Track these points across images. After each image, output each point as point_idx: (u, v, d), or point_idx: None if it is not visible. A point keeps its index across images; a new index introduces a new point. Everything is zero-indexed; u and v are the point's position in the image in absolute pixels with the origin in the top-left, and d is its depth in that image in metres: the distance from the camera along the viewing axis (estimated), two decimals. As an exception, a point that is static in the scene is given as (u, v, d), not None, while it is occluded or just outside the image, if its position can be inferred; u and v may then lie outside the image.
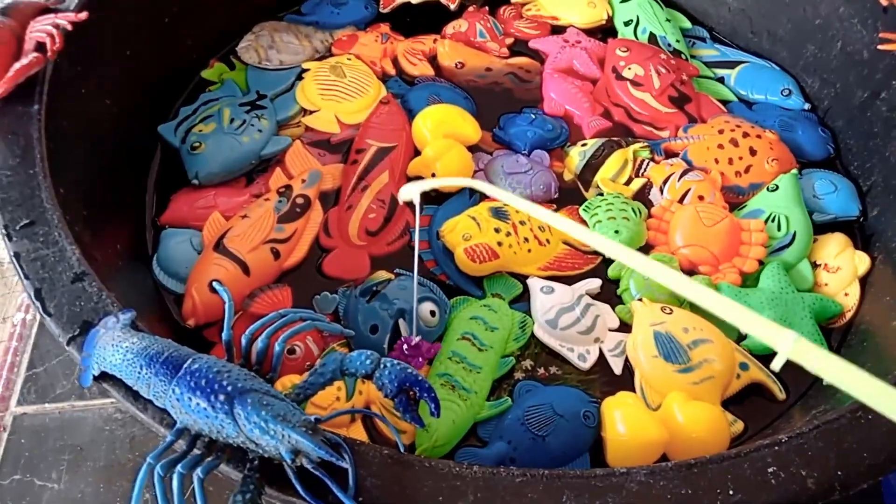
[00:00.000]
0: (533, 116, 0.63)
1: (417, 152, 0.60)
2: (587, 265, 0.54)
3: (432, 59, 0.69)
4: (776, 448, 0.32)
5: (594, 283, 0.53)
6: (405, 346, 0.47)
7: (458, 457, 0.45)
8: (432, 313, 0.49)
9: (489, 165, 0.59)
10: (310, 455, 0.29)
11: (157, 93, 0.63)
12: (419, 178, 0.58)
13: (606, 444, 0.45)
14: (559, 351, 0.49)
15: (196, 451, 0.31)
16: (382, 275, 0.52)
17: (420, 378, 0.33)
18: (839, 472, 0.32)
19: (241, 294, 0.50)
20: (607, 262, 0.55)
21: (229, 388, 0.30)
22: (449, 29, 0.71)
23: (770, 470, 0.32)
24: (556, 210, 0.56)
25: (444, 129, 0.59)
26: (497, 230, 0.53)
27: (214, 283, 0.36)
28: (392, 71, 0.67)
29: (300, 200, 0.55)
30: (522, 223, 0.54)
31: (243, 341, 0.35)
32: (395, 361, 0.33)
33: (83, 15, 0.48)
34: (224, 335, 0.35)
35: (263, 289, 0.50)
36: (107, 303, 0.37)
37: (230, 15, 0.68)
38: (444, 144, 0.58)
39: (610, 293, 0.53)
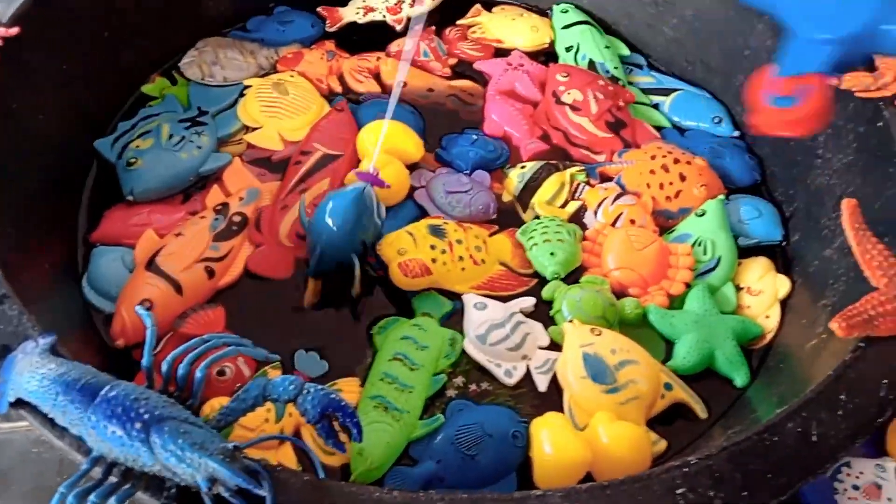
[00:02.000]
0: (475, 137, 0.64)
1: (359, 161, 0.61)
2: (521, 287, 0.55)
3: (377, 77, 0.69)
4: (685, 469, 0.34)
5: (528, 302, 0.54)
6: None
7: (388, 477, 0.45)
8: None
9: (430, 183, 0.60)
10: (226, 483, 0.29)
11: (95, 108, 0.62)
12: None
13: (534, 463, 0.46)
14: (486, 366, 0.51)
15: (112, 479, 0.31)
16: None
17: (343, 403, 0.34)
18: (744, 493, 0.34)
19: (173, 314, 0.49)
20: (542, 283, 0.56)
21: (146, 416, 0.30)
22: (393, 47, 0.72)
23: (679, 491, 0.33)
24: (496, 232, 0.58)
25: (387, 144, 0.60)
26: (433, 247, 0.54)
27: (137, 308, 0.36)
28: (339, 88, 0.68)
29: (237, 218, 0.55)
30: (459, 242, 0.55)
31: (164, 367, 0.35)
32: (319, 387, 0.34)
33: (14, 30, 0.47)
34: (144, 361, 0.34)
35: (196, 309, 0.50)
36: (27, 327, 0.36)
37: (173, 30, 0.67)
38: (383, 160, 0.59)
39: (543, 313, 0.54)
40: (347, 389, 0.48)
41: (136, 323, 0.48)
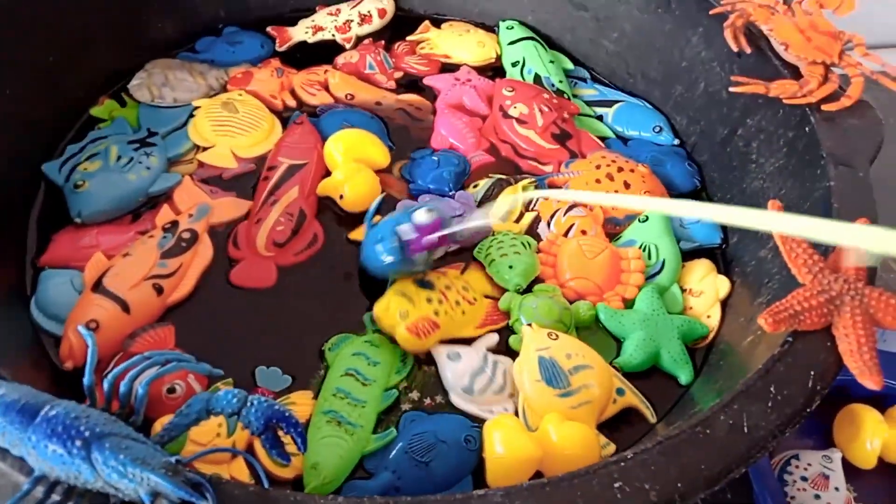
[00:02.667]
0: (434, 158, 0.64)
1: (328, 171, 0.62)
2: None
3: (327, 89, 0.70)
4: (622, 464, 0.35)
5: (493, 339, 0.54)
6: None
7: (344, 491, 0.45)
8: (427, 212, 0.51)
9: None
10: (169, 496, 0.29)
11: (42, 131, 0.62)
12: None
13: (486, 464, 0.47)
14: (480, 416, 0.49)
15: (54, 498, 0.31)
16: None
17: (287, 414, 0.34)
18: (679, 484, 0.35)
19: (122, 333, 0.49)
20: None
21: (86, 434, 0.30)
22: (340, 59, 0.73)
23: (616, 485, 0.34)
24: (465, 268, 0.58)
25: (354, 153, 0.62)
26: (429, 300, 0.53)
27: (79, 327, 0.36)
28: (293, 103, 0.69)
29: (186, 235, 0.55)
30: (448, 288, 0.54)
31: (105, 385, 0.35)
32: (262, 399, 0.34)
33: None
34: (85, 380, 0.35)
35: (145, 328, 0.50)
36: (-34, 350, 0.36)
37: (121, 53, 0.67)
38: (353, 168, 0.60)
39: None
40: (300, 402, 0.48)
41: (84, 344, 0.48)
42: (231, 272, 0.55)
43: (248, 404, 0.34)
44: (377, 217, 0.55)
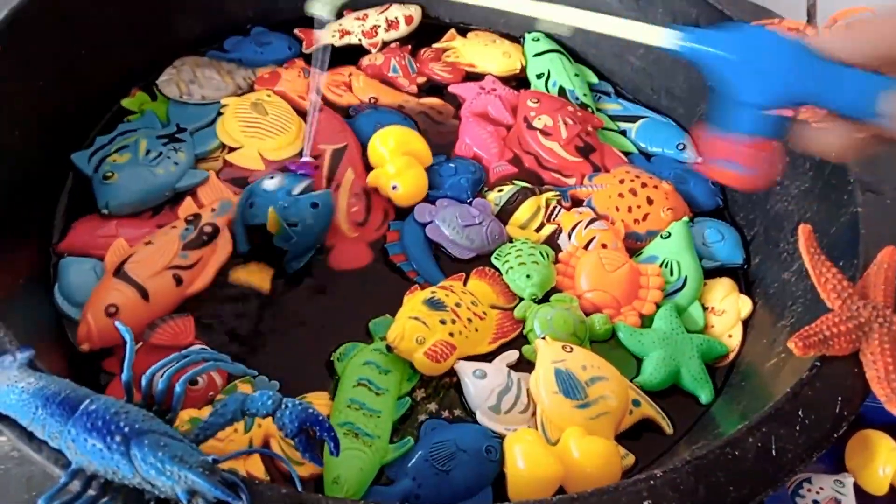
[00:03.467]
0: (452, 165, 0.65)
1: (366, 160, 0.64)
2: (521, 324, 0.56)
3: (351, 90, 0.71)
4: (651, 482, 0.35)
5: (513, 356, 0.54)
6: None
7: (366, 496, 0.45)
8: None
9: (441, 214, 0.60)
10: (206, 496, 0.29)
11: (72, 122, 0.62)
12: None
13: (508, 478, 0.47)
14: (505, 434, 0.49)
15: (91, 492, 0.31)
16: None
17: (321, 418, 0.34)
18: (707, 504, 0.35)
19: (140, 320, 0.50)
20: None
21: (126, 430, 0.30)
22: (365, 60, 0.73)
23: (645, 503, 0.34)
24: (466, 280, 0.58)
25: (403, 148, 0.62)
26: (443, 322, 0.52)
27: (116, 323, 0.37)
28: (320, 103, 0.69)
29: (208, 229, 0.55)
30: (458, 305, 0.54)
31: (143, 382, 0.35)
32: (297, 402, 0.34)
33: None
34: (124, 376, 0.35)
35: (165, 318, 0.51)
36: (4, 341, 0.36)
37: (151, 49, 0.68)
38: (406, 161, 0.61)
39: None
40: (317, 403, 0.48)
41: (102, 328, 0.48)
42: (330, 258, 0.58)
43: (283, 406, 0.34)
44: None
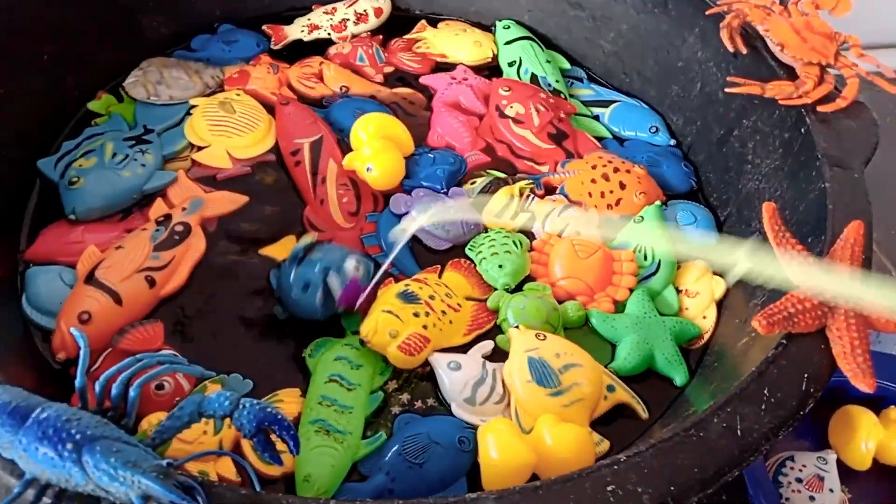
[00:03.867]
0: (431, 156, 0.64)
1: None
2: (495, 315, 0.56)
3: (321, 80, 0.71)
4: (615, 467, 0.35)
5: (488, 346, 0.53)
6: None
7: (338, 493, 0.45)
8: (356, 268, 0.52)
9: (417, 205, 0.60)
10: (161, 500, 0.29)
11: (38, 128, 0.61)
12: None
13: (481, 468, 0.47)
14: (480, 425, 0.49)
15: (46, 501, 0.31)
16: (307, 238, 0.54)
17: (279, 417, 0.34)
18: (672, 487, 0.35)
19: (115, 325, 0.50)
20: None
21: (77, 437, 0.30)
22: (332, 50, 0.73)
23: (609, 488, 0.34)
24: (441, 272, 0.57)
25: (383, 132, 0.62)
26: (416, 315, 0.52)
27: (71, 328, 0.36)
28: (293, 97, 0.69)
29: (179, 228, 0.55)
30: (432, 297, 0.54)
31: (97, 388, 0.35)
32: (255, 401, 0.34)
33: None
34: (77, 382, 0.34)
35: (135, 324, 0.50)
36: (-42, 351, 0.36)
37: (117, 51, 0.67)
38: (382, 145, 0.61)
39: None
40: (288, 400, 0.48)
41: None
42: None
43: (240, 407, 0.34)
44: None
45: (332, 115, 0.66)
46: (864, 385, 0.40)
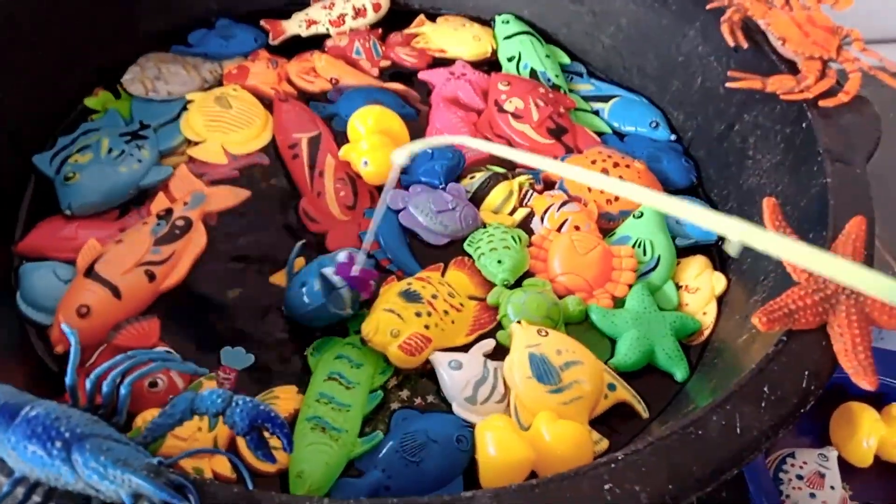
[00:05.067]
0: (429, 151, 0.63)
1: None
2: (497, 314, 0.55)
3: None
4: (612, 465, 0.35)
5: (489, 345, 0.53)
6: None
7: (333, 489, 0.45)
8: (348, 255, 0.51)
9: (415, 201, 0.60)
10: (152, 498, 0.29)
11: (35, 123, 0.61)
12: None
13: (479, 466, 0.46)
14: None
15: (35, 499, 0.30)
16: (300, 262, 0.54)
17: (272, 414, 0.34)
18: (670, 486, 0.35)
19: (114, 319, 0.50)
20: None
21: (67, 435, 0.30)
22: (329, 42, 0.73)
23: (606, 487, 0.34)
24: (444, 270, 0.57)
25: (381, 126, 0.62)
26: (418, 314, 0.52)
27: (62, 326, 0.36)
28: (293, 92, 0.68)
29: (180, 223, 0.55)
30: (434, 297, 0.53)
31: (88, 385, 0.34)
32: (247, 399, 0.34)
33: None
34: (68, 379, 0.34)
35: (130, 320, 0.50)
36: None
37: (114, 47, 0.67)
38: (379, 140, 0.61)
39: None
40: (284, 397, 0.48)
41: (74, 328, 0.47)
42: (327, 242, 0.57)
43: (233, 404, 0.33)
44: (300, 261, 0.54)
45: (342, 107, 0.66)
46: (866, 383, 0.40)
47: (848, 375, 0.41)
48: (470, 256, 0.58)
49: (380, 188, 0.61)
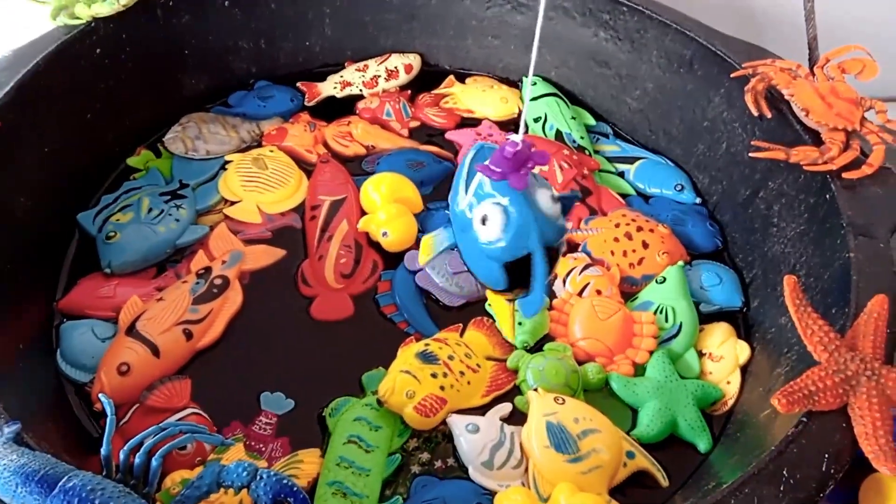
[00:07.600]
0: (447, 212, 0.64)
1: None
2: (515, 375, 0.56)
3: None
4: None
5: (506, 409, 0.53)
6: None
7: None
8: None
9: (431, 262, 0.61)
10: (177, 570, 0.30)
11: (79, 182, 0.64)
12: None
13: (499, 537, 0.46)
14: (498, 491, 0.48)
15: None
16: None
17: (295, 489, 0.35)
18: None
19: (152, 377, 0.51)
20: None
21: (100, 507, 0.31)
22: (361, 104, 0.75)
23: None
24: (463, 331, 0.58)
25: (395, 195, 0.64)
26: (434, 375, 0.52)
27: (100, 395, 0.38)
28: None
29: (218, 281, 0.57)
30: (451, 358, 0.54)
31: (121, 457, 0.36)
32: (272, 472, 0.35)
33: (-3, 124, 0.50)
34: (103, 450, 0.36)
35: (163, 380, 0.52)
36: (-6, 413, 0.37)
37: (157, 107, 0.70)
38: (397, 210, 0.62)
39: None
40: (308, 461, 0.49)
41: (115, 386, 0.50)
42: (311, 308, 0.58)
43: (258, 478, 0.35)
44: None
45: (383, 168, 0.68)
46: (886, 468, 0.39)
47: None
48: (490, 317, 0.59)
49: (396, 260, 0.62)
